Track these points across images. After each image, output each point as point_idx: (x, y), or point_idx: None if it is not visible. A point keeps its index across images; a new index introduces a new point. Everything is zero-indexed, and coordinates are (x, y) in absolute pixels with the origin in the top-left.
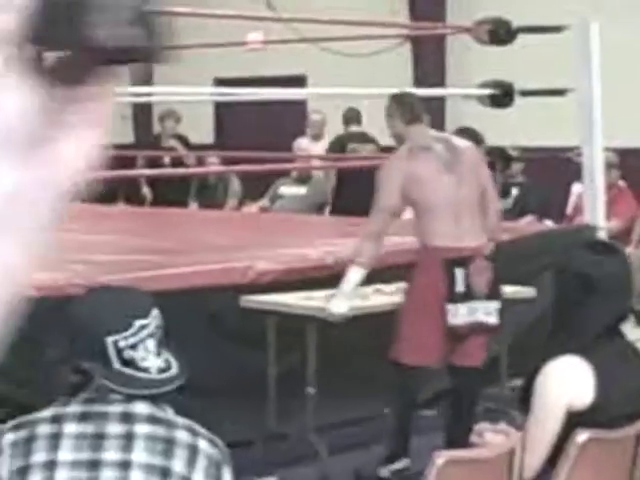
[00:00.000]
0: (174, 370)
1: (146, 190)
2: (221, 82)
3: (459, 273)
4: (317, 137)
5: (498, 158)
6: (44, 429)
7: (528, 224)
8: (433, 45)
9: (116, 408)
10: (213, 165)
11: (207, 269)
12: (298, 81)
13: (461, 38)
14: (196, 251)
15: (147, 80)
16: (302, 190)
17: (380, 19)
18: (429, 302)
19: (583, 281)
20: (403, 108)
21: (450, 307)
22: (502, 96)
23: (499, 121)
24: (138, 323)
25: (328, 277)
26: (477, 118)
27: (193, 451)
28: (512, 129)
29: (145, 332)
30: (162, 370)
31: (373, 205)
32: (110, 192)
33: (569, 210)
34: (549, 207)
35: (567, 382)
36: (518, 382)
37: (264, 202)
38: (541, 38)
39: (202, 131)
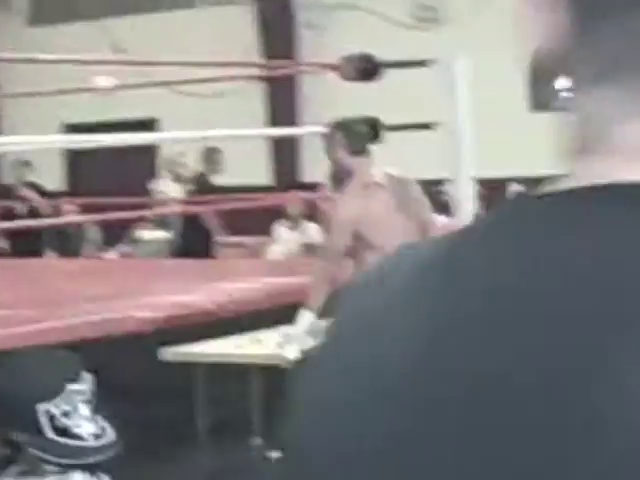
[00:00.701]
0: (110, 436)
1: (2, 242)
2: (71, 128)
3: None
4: (178, 179)
5: None
6: None
7: None
8: (286, 84)
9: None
10: (70, 213)
11: (89, 320)
12: (150, 125)
13: (314, 76)
14: (70, 302)
15: None
16: (164, 234)
17: (233, 59)
18: None
19: None
20: (350, 137)
21: None
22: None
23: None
24: (70, 388)
25: (212, 323)
26: None
27: None
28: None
29: (78, 397)
30: (97, 437)
31: (324, 245)
32: None
33: None
34: None
35: None
36: None
37: (122, 248)
38: (404, 74)
39: (54, 178)
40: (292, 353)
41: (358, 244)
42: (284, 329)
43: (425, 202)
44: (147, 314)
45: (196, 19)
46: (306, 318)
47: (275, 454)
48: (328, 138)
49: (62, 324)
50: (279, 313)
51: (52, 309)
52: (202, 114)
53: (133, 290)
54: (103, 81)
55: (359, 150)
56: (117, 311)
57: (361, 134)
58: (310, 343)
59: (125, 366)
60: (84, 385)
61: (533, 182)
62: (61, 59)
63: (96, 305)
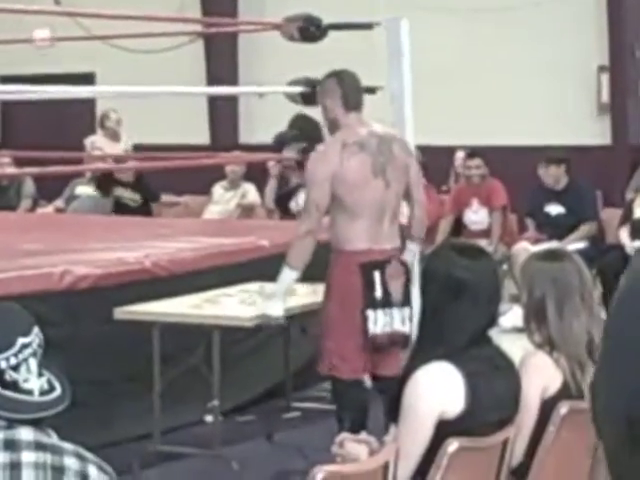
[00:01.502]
0: (58, 391)
1: None
2: (7, 79)
3: (377, 277)
4: (114, 136)
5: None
6: None
7: None
8: (226, 42)
9: None
10: (5, 165)
11: (23, 275)
12: (87, 79)
13: (253, 36)
14: (6, 256)
15: None
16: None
17: (171, 15)
18: (349, 309)
19: (452, 285)
20: (346, 90)
21: (370, 313)
22: (313, 93)
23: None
24: (20, 341)
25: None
26: (271, 116)
27: (83, 479)
28: None
29: (27, 351)
30: (45, 392)
31: (305, 202)
32: None
33: None
34: None
35: (438, 390)
36: None
37: (59, 203)
38: (347, 35)
39: None
40: (276, 310)
41: (331, 203)
42: (267, 286)
43: (413, 165)
44: (83, 270)
45: None
46: (288, 276)
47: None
48: (323, 90)
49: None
50: (216, 273)
51: None
52: (140, 70)
53: (69, 246)
54: (41, 33)
55: (354, 105)
56: (53, 266)
57: (358, 88)
58: (290, 302)
59: (79, 323)
60: (34, 339)
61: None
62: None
63: (32, 260)
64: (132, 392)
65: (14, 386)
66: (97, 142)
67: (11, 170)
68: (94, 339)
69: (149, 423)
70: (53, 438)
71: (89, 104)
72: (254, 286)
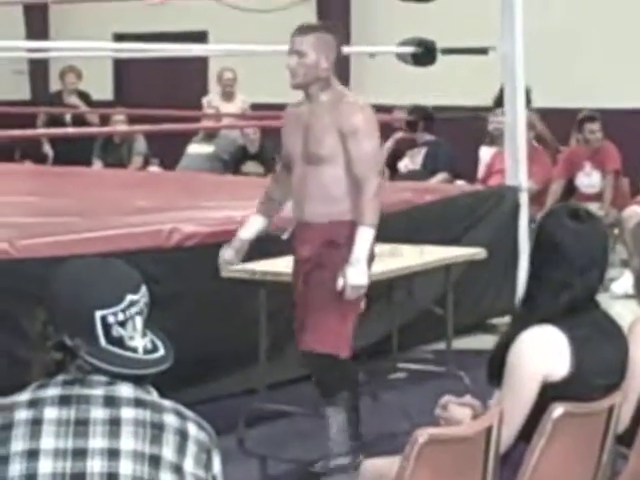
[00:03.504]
0: (161, 351)
1: (47, 148)
2: (120, 38)
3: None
4: (229, 96)
5: (421, 117)
6: (22, 414)
7: (441, 182)
8: (338, 1)
9: (98, 391)
10: (119, 123)
11: (132, 232)
12: (199, 37)
13: None
14: (116, 213)
15: (43, 35)
16: (208, 148)
17: None
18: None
19: (555, 248)
20: (339, 53)
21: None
22: (424, 54)
23: (403, 79)
24: (129, 298)
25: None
26: (382, 77)
27: (182, 436)
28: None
29: (134, 309)
30: (149, 351)
31: (371, 162)
32: (8, 149)
33: (481, 172)
34: (458, 167)
35: (543, 352)
36: (463, 341)
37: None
38: None
39: (101, 88)
40: (364, 279)
41: None
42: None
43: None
44: (191, 228)
45: None
46: (370, 236)
47: None
48: (318, 40)
49: (107, 234)
50: None
51: (98, 219)
52: (252, 29)
53: (178, 204)
54: None
55: (336, 64)
56: (162, 224)
57: (341, 45)
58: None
59: (186, 280)
60: (142, 298)
61: (611, 114)
62: None
63: (141, 217)
64: (237, 349)
65: (120, 342)
66: (213, 101)
67: (124, 127)
68: (201, 297)
69: (254, 380)
70: (153, 395)
71: (201, 63)
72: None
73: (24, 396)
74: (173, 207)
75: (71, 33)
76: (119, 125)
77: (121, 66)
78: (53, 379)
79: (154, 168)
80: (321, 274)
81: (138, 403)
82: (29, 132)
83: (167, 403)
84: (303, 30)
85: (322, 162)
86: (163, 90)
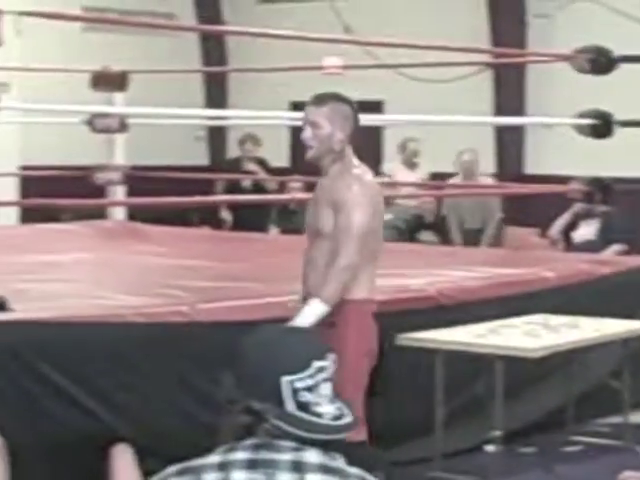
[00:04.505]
0: (348, 418)
1: (225, 214)
2: (297, 106)
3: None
4: (411, 166)
5: (598, 189)
6: (211, 477)
7: (615, 254)
8: (514, 72)
9: (286, 456)
10: (295, 190)
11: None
12: (375, 107)
13: (541, 66)
14: (293, 279)
15: (222, 103)
16: (387, 216)
17: (461, 44)
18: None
19: None
20: (354, 121)
21: None
22: (602, 126)
23: (579, 150)
24: (316, 364)
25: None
26: (558, 148)
27: None
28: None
29: (322, 375)
30: (335, 417)
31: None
32: (186, 214)
33: None
34: (635, 237)
35: None
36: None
37: None
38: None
39: (278, 155)
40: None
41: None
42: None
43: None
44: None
45: (427, 2)
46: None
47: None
48: (335, 113)
49: (281, 300)
50: (500, 304)
51: (275, 284)
52: (427, 99)
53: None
54: (332, 61)
55: (351, 136)
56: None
57: (357, 118)
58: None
59: None
60: (329, 365)
61: None
62: (291, 35)
63: None
64: (412, 416)
65: (307, 408)
66: (392, 169)
67: (301, 195)
68: (378, 365)
69: (429, 448)
70: (339, 462)
71: (376, 131)
72: (538, 318)
73: (213, 459)
74: None
75: (249, 101)
76: (295, 192)
77: (298, 134)
78: (242, 443)
79: None
80: None
81: (325, 469)
82: (210, 198)
83: (353, 470)
84: (318, 100)
85: (319, 237)
86: None
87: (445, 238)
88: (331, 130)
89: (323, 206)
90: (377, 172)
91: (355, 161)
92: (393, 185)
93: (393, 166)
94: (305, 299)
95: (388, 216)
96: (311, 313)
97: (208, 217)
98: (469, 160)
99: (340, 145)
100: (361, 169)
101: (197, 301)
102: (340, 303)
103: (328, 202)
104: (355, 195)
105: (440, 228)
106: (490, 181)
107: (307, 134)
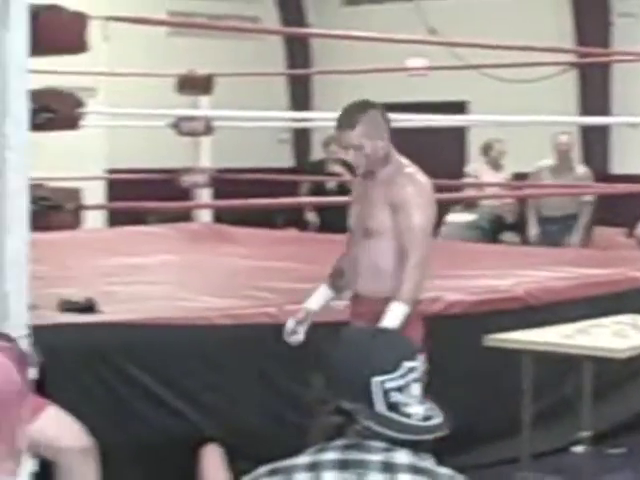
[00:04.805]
0: (437, 419)
1: (311, 215)
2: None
3: None
4: (495, 166)
5: None
6: (301, 477)
7: None
8: (599, 72)
9: (376, 457)
10: None
11: None
12: (459, 107)
13: (626, 65)
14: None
15: (306, 105)
16: (468, 217)
17: (545, 44)
18: None
19: None
20: (386, 120)
21: None
22: None
23: None
24: (406, 365)
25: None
26: None
27: None
28: None
29: (412, 376)
30: (425, 418)
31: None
32: (271, 216)
33: None
34: None
35: None
36: None
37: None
38: None
39: None
40: None
41: None
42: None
43: None
44: (455, 296)
45: (510, 2)
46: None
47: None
48: (369, 121)
49: None
50: (588, 304)
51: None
52: (511, 99)
53: (440, 272)
54: (416, 62)
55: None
56: (426, 292)
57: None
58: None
59: (450, 349)
60: (419, 365)
61: None
62: (375, 37)
63: None
64: (500, 417)
65: (397, 408)
66: (477, 170)
67: None
68: (464, 365)
69: (517, 448)
70: (429, 463)
71: (460, 132)
72: (627, 318)
73: (304, 459)
74: (435, 275)
75: (333, 102)
76: None
77: None
78: (332, 443)
79: None
80: None
81: (415, 470)
82: (295, 200)
83: (443, 470)
84: (347, 123)
85: (372, 236)
86: (422, 159)
87: (526, 238)
88: (371, 144)
89: (378, 207)
90: (461, 173)
91: (403, 159)
92: (477, 186)
93: (477, 166)
94: (355, 297)
95: (472, 217)
96: (394, 316)
97: (293, 219)
98: (566, 142)
99: (384, 150)
100: (412, 168)
101: (284, 302)
102: (383, 301)
103: (384, 203)
104: (413, 195)
105: (522, 229)
106: (583, 169)
107: (353, 158)
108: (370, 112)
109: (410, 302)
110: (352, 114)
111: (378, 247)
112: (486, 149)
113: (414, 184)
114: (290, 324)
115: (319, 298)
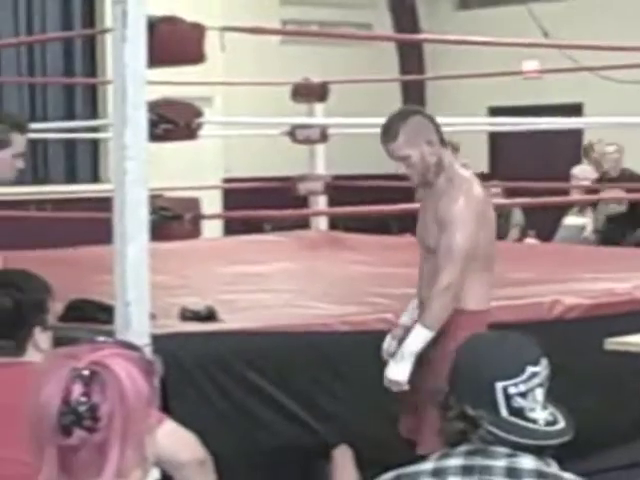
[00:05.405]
0: (561, 424)
1: None
2: (495, 111)
3: None
4: (598, 167)
5: None
6: None
7: None
8: None
9: (500, 462)
10: (495, 195)
11: (513, 304)
12: (575, 110)
13: None
14: (496, 286)
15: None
16: (585, 220)
17: None
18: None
19: None
20: (435, 123)
21: None
22: None
23: None
24: (530, 370)
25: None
26: None
27: None
28: None
29: (535, 381)
30: (549, 423)
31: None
32: (386, 222)
33: None
34: None
35: None
36: None
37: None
38: None
39: (477, 161)
40: (402, 375)
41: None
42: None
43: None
44: (573, 300)
45: (623, 3)
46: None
47: None
48: (420, 129)
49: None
50: None
51: None
52: (627, 100)
53: (557, 276)
54: (530, 65)
55: (443, 140)
56: (543, 296)
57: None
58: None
59: (569, 353)
60: (542, 370)
61: None
62: (488, 41)
63: (522, 289)
64: (620, 422)
65: (520, 413)
66: (585, 172)
67: (500, 200)
68: (583, 369)
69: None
70: (553, 468)
71: (576, 135)
72: None
73: (427, 465)
74: (553, 279)
75: (447, 107)
76: (495, 198)
77: (496, 139)
78: (456, 449)
79: (531, 240)
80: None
81: (540, 475)
82: (410, 206)
83: (567, 475)
84: (389, 137)
85: (430, 251)
86: (539, 162)
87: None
88: (418, 152)
89: (431, 222)
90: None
91: (457, 165)
92: (591, 188)
93: (584, 168)
94: (421, 305)
95: (588, 219)
96: (417, 340)
97: (408, 225)
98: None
99: (434, 155)
100: (465, 178)
101: (402, 309)
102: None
103: (434, 219)
104: (459, 213)
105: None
106: None
107: (403, 170)
108: (410, 120)
109: (434, 326)
110: (392, 126)
111: (431, 262)
112: (587, 151)
113: (463, 197)
114: (388, 343)
115: (413, 313)
